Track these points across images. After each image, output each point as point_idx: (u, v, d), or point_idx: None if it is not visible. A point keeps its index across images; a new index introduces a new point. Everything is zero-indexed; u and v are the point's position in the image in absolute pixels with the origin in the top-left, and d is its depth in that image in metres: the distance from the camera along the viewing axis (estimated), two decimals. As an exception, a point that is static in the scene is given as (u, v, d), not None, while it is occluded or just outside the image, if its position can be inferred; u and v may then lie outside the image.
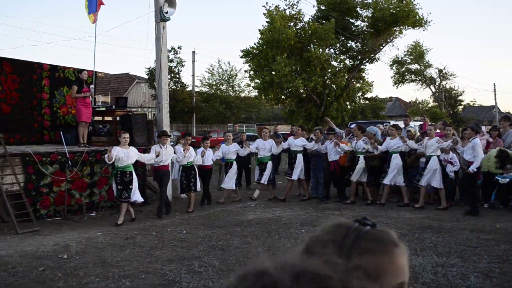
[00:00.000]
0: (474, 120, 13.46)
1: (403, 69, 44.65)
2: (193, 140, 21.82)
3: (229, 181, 12.42)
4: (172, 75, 39.50)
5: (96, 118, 13.59)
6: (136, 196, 10.08)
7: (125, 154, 9.82)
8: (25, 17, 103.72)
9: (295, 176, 12.72)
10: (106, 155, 9.86)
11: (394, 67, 43.89)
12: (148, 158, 10.58)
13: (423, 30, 32.98)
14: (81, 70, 12.70)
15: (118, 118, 13.15)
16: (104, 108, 13.96)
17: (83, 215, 10.65)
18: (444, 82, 48.67)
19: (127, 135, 10.23)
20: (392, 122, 15.82)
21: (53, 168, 10.45)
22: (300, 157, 12.76)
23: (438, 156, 11.08)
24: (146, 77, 41.61)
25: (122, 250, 7.63)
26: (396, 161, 11.51)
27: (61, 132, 11.31)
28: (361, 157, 11.98)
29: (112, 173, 10.45)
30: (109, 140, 12.52)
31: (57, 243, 8.10)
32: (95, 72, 14.37)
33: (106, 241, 8.21)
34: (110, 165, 10.56)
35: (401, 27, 32.45)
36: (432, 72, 47.07)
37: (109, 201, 11.26)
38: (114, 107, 13.78)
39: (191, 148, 11.50)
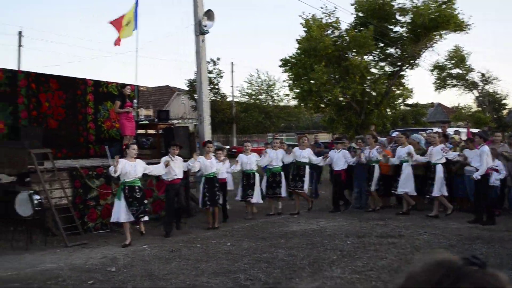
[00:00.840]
0: (484, 127, 13.41)
1: (444, 74, 43.76)
2: (233, 150, 21.93)
3: (257, 195, 11.97)
4: (212, 86, 39.84)
5: (139, 131, 13.82)
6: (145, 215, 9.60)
7: (132, 168, 9.32)
8: (70, 33, 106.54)
9: (306, 187, 12.50)
10: (111, 168, 9.21)
11: (435, 73, 43.10)
12: (157, 170, 10.04)
13: (465, 34, 32.28)
14: (124, 85, 12.95)
15: (160, 131, 13.34)
16: (147, 122, 14.18)
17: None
18: (487, 86, 47.48)
19: (136, 147, 9.84)
20: (432, 131, 15.52)
21: (99, 181, 10.67)
22: (307, 169, 12.54)
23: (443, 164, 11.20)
24: (187, 88, 42.09)
25: (168, 263, 7.69)
26: (407, 171, 11.62)
27: (106, 146, 11.56)
28: (376, 166, 12.14)
29: (119, 188, 9.48)
30: (153, 152, 12.72)
31: (104, 255, 8.24)
32: (137, 86, 14.62)
33: (153, 254, 8.30)
34: (115, 179, 9.92)
35: (442, 31, 31.87)
36: (474, 76, 46.01)
37: (154, 213, 11.39)
38: (156, 120, 13.97)
39: (213, 158, 10.96)
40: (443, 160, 11.19)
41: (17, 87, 11.75)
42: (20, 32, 32.85)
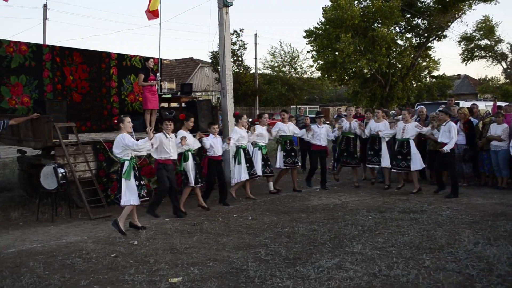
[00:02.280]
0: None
1: (472, 45, 42.81)
2: (256, 123, 21.90)
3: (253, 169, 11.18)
4: (235, 58, 39.65)
5: (162, 104, 13.86)
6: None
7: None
8: (94, 7, 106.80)
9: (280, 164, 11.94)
10: (146, 143, 8.29)
11: (462, 44, 42.20)
12: (138, 147, 8.05)
13: (494, 3, 31.37)
14: (147, 58, 12.94)
15: (183, 105, 13.36)
16: (170, 95, 14.20)
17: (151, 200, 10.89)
18: (516, 58, 46.28)
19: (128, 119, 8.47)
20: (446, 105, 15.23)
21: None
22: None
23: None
24: (210, 61, 41.98)
25: (190, 236, 7.77)
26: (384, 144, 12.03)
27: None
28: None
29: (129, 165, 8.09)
30: (175, 126, 12.73)
31: (127, 229, 8.34)
32: (161, 59, 14.64)
33: (175, 228, 8.39)
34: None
35: (471, 1, 31.04)
36: (503, 47, 44.86)
37: (177, 187, 11.46)
38: (179, 94, 13.99)
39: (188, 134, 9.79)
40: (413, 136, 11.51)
41: (42, 61, 11.84)
42: (45, 5, 32.93)
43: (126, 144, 7.91)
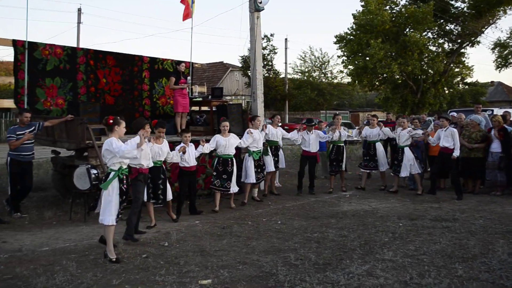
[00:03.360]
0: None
1: (506, 51, 41.98)
2: (285, 128, 21.89)
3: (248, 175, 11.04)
4: (265, 62, 39.72)
5: (193, 108, 13.97)
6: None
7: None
8: (127, 11, 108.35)
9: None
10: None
11: (496, 50, 41.42)
12: (123, 153, 6.71)
13: (530, 9, 30.77)
14: (179, 62, 13.06)
15: (214, 108, 13.42)
16: (200, 99, 14.29)
17: (182, 203, 10.97)
18: (551, 65, 45.18)
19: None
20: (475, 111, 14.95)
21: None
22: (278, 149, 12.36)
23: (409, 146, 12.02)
24: (240, 65, 42.13)
25: (220, 239, 7.80)
26: (381, 148, 12.65)
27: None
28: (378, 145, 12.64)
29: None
30: (206, 129, 12.84)
31: (158, 230, 8.43)
32: (192, 63, 14.76)
33: (204, 230, 8.44)
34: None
35: (505, 7, 30.49)
36: (539, 54, 43.81)
37: (206, 189, 11.53)
38: (210, 97, 14.06)
39: (165, 142, 9.01)
40: (409, 143, 11.99)
41: (76, 64, 12.06)
42: (79, 9, 33.61)
43: (114, 148, 6.65)
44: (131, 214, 7.85)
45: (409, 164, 11.84)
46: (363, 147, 13.23)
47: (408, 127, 12.19)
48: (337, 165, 12.37)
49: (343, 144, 12.41)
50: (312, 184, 12.32)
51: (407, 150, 11.94)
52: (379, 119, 13.07)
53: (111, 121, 6.93)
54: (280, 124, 12.54)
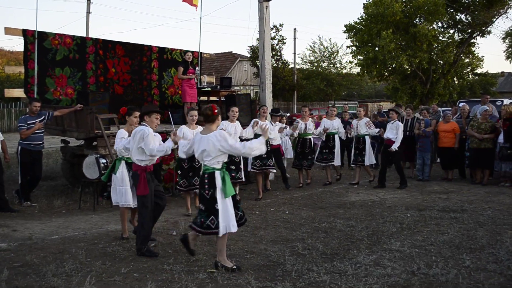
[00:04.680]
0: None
1: (517, 41, 41.63)
2: (293, 118, 21.82)
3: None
4: (274, 52, 39.59)
5: (202, 98, 13.99)
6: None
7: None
8: (136, 1, 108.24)
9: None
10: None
11: (507, 40, 41.05)
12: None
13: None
14: (186, 52, 13.09)
15: (223, 98, 13.45)
16: (209, 89, 14.31)
17: (190, 192, 11.01)
18: None
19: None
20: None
21: (162, 147, 10.88)
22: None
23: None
24: (248, 55, 42.04)
25: (228, 229, 7.82)
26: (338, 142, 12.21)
27: (169, 112, 11.74)
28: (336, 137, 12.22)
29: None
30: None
31: (166, 219, 8.48)
32: (201, 53, 14.77)
33: (212, 220, 8.45)
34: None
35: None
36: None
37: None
38: (219, 87, 14.08)
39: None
40: (368, 132, 12.04)
41: (85, 54, 12.12)
42: (88, -1, 33.52)
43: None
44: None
45: (371, 153, 12.15)
46: (322, 141, 12.32)
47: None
48: (303, 158, 11.78)
49: (310, 137, 11.80)
50: (284, 178, 11.64)
51: (367, 139, 12.01)
52: (382, 110, 12.96)
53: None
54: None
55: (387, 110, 14.84)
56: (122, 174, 7.24)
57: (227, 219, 5.66)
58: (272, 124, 10.89)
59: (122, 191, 7.23)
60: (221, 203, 5.66)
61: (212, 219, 5.65)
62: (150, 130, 6.43)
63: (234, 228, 5.70)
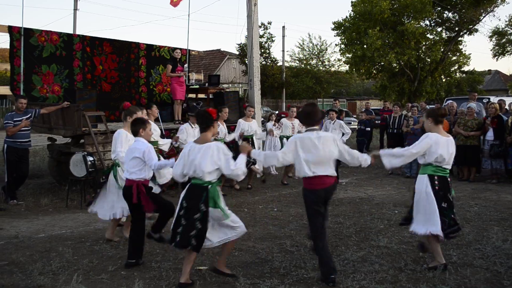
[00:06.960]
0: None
1: (504, 40, 41.89)
2: (282, 115, 21.84)
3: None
4: (262, 50, 39.58)
5: (190, 95, 13.95)
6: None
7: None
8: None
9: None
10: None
11: (494, 39, 41.32)
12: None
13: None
14: (174, 49, 13.05)
15: (211, 96, 13.42)
16: (197, 86, 14.28)
17: (178, 190, 10.99)
18: (550, 54, 45.10)
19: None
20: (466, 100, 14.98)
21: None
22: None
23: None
24: (237, 53, 42.01)
25: (216, 226, 7.80)
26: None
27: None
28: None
29: None
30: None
31: (155, 216, 8.41)
32: (189, 50, 14.72)
33: (201, 217, 8.42)
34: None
35: (504, -5, 30.43)
36: (537, 43, 43.74)
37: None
38: (207, 85, 14.05)
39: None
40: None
41: (72, 51, 12.03)
42: (76, -5, 33.24)
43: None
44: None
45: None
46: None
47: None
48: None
49: (251, 137, 11.29)
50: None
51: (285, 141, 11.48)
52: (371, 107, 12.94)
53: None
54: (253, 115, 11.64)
55: (363, 109, 14.93)
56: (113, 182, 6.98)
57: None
58: (192, 127, 10.25)
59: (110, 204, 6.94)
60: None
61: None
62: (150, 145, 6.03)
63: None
